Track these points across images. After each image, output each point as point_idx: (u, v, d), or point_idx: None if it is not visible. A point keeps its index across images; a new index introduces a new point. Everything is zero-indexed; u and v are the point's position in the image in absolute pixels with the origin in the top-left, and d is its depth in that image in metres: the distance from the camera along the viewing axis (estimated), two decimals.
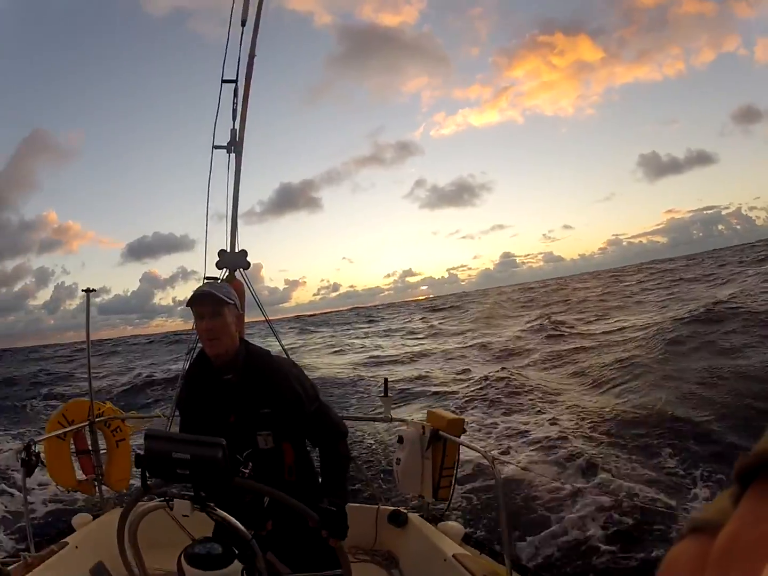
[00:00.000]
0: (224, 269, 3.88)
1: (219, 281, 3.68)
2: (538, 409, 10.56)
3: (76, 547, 3.26)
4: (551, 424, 9.27)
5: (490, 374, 14.03)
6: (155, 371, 23.98)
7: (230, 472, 1.81)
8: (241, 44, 4.00)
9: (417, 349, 23.50)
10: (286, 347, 4.05)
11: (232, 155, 4.03)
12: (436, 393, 13.67)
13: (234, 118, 4.03)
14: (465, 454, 4.71)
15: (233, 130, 4.02)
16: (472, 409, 11.52)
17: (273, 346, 3.49)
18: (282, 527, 2.24)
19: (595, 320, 23.91)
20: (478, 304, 53.60)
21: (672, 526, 5.29)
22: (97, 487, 4.01)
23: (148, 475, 1.85)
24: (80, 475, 4.00)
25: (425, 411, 3.88)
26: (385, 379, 4.16)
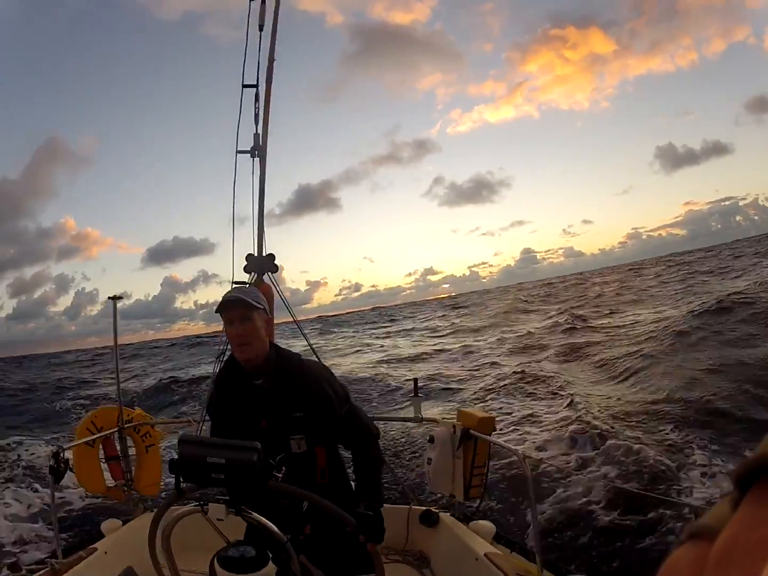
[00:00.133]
0: (252, 273, 3.87)
1: (247, 285, 3.67)
2: (563, 400, 10.49)
3: (105, 552, 3.23)
4: (576, 417, 9.17)
5: (512, 368, 14.03)
6: (177, 373, 24.22)
7: (265, 475, 1.80)
8: (260, 49, 4.00)
9: (437, 347, 23.45)
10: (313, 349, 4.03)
11: (256, 159, 4.02)
12: (453, 389, 13.72)
13: (256, 123, 4.01)
14: (496, 452, 4.66)
15: (256, 135, 4.01)
16: (491, 400, 11.61)
17: (296, 346, 3.47)
18: (319, 531, 2.23)
19: (609, 314, 24.18)
20: (498, 301, 53.53)
21: None
22: (126, 493, 4.01)
23: (182, 480, 1.83)
24: (110, 481, 4.00)
25: (455, 410, 3.85)
26: (415, 380, 4.15)
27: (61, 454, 3.27)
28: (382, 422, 5.02)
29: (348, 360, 22.52)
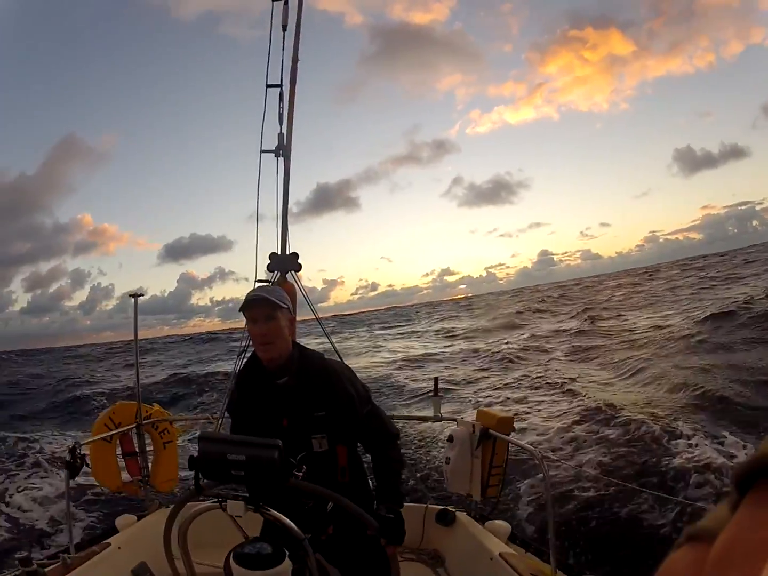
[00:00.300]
0: (275, 271, 3.87)
1: (270, 284, 3.67)
2: (578, 399, 10.51)
3: (119, 547, 3.22)
4: (589, 417, 9.14)
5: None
6: (191, 369, 24.41)
7: (286, 473, 1.79)
8: (283, 49, 4.00)
9: (448, 349, 23.54)
10: (325, 347, 4.02)
11: (280, 159, 4.01)
12: (461, 390, 13.74)
13: (281, 122, 4.01)
14: (514, 452, 4.65)
15: (280, 134, 4.00)
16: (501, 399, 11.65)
17: (310, 345, 3.47)
18: (340, 532, 2.23)
19: (615, 317, 24.77)
20: (515, 302, 53.48)
21: None
22: (142, 489, 4.01)
23: (201, 476, 1.82)
24: (126, 477, 4.02)
25: (475, 410, 3.84)
26: (435, 379, 4.14)
27: (78, 450, 3.28)
28: (401, 421, 5.00)
29: (361, 360, 22.57)
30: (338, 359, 3.03)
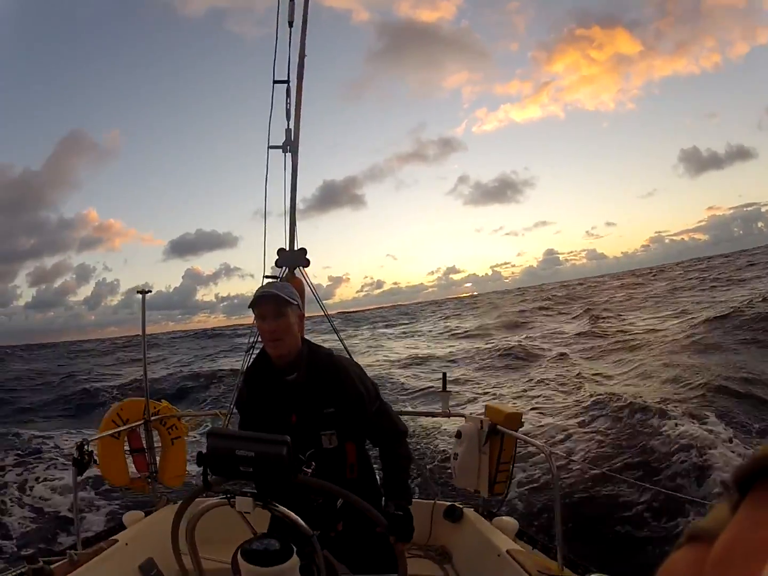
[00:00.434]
0: (283, 267, 3.85)
1: (278, 280, 3.65)
2: (586, 396, 10.47)
3: (126, 544, 3.20)
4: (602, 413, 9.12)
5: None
6: (195, 365, 24.46)
7: (294, 469, 1.78)
8: (290, 45, 4.00)
9: (450, 349, 23.54)
10: (333, 344, 4.01)
11: (288, 154, 4.00)
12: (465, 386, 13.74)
13: (288, 118, 4.00)
14: (522, 447, 4.64)
15: (288, 130, 4.00)
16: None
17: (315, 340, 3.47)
18: (349, 529, 2.24)
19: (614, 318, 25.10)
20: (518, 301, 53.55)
21: None
22: (150, 485, 4.01)
23: (209, 472, 1.82)
24: (133, 473, 4.02)
25: (483, 405, 3.82)
26: (444, 374, 4.12)
27: (86, 446, 3.27)
28: (409, 417, 4.98)
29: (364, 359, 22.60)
30: (347, 356, 3.02)
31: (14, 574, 2.67)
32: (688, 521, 5.39)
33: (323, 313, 4.04)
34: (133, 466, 4.04)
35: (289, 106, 3.98)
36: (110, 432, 3.79)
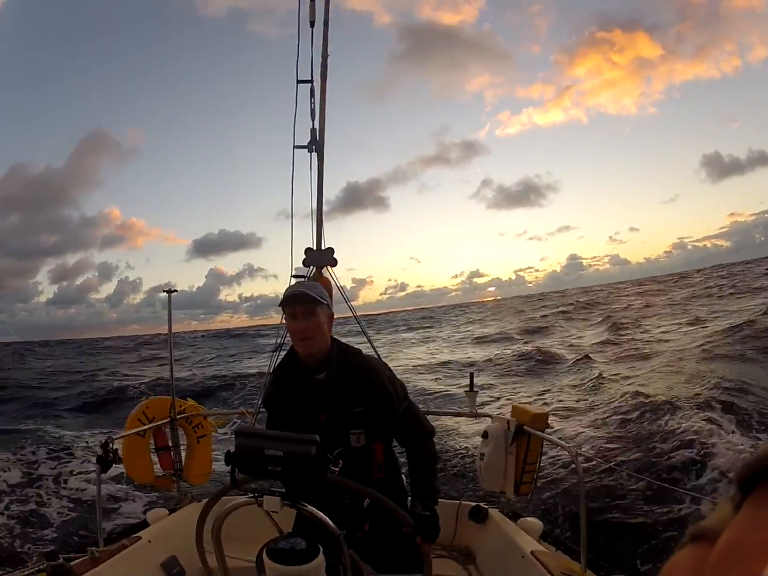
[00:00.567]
0: (311, 267, 3.85)
1: (306, 279, 3.66)
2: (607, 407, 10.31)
3: (149, 541, 3.19)
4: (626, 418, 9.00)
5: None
6: (222, 364, 24.63)
7: (322, 469, 1.77)
8: (312, 45, 3.98)
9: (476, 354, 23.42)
10: (361, 344, 3.99)
11: (314, 154, 3.99)
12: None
13: (312, 118, 4.00)
14: (548, 448, 4.59)
15: (313, 130, 3.99)
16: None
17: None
18: (376, 529, 2.24)
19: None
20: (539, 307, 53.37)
21: None
22: (175, 483, 4.03)
23: (237, 471, 1.81)
24: (158, 471, 4.04)
25: (509, 406, 3.79)
26: (471, 374, 4.10)
27: (110, 444, 3.28)
28: (436, 416, 4.97)
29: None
30: (375, 356, 3.01)
31: (33, 570, 2.67)
32: None
33: (351, 314, 4.03)
34: (159, 464, 4.05)
35: (314, 106, 3.98)
36: (136, 430, 3.81)
